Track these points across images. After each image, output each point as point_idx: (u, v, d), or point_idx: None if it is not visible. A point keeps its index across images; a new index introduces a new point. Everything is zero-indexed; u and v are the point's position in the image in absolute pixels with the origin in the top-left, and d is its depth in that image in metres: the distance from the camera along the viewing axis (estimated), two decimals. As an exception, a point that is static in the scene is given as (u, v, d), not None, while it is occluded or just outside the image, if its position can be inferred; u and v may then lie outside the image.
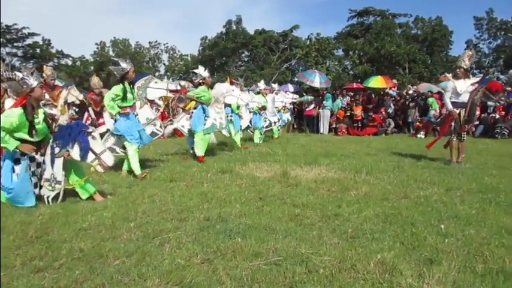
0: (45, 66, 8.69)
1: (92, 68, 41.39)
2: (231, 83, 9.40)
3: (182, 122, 8.09)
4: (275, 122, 11.65)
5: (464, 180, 5.54)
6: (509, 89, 16.04)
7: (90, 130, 4.48)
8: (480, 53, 36.35)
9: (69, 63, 41.71)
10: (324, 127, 15.91)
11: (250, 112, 10.20)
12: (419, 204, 4.20)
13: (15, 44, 37.23)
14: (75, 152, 4.34)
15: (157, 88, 6.81)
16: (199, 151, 7.32)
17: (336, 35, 38.44)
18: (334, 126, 16.09)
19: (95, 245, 3.00)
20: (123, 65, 5.83)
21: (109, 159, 4.54)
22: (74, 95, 10.29)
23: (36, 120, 4.19)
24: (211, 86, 7.96)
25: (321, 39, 35.59)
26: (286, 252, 2.87)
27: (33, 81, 4.17)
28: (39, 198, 4.28)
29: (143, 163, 6.85)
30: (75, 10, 68.63)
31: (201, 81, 7.69)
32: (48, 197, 4.28)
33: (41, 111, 4.32)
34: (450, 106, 7.05)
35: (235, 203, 4.21)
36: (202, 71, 7.75)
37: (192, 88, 11.29)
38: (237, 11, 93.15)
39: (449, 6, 56.75)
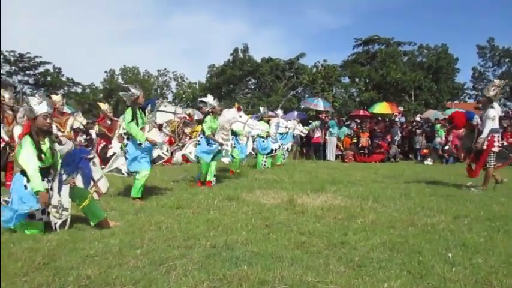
0: (53, 96, 8.86)
1: (101, 95, 42.07)
2: (239, 110, 9.51)
3: (189, 149, 8.18)
4: (276, 149, 11.63)
5: (472, 207, 5.50)
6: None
7: (91, 156, 4.54)
8: (486, 80, 36.52)
9: (79, 90, 42.45)
10: (331, 154, 15.91)
11: (251, 138, 10.33)
12: (426, 232, 4.17)
13: (27, 72, 38.07)
14: (78, 179, 4.40)
15: (166, 111, 6.94)
16: (209, 176, 7.61)
17: (342, 62, 38.91)
18: (340, 153, 16.10)
19: (101, 272, 3.01)
20: (133, 90, 6.01)
21: (104, 186, 4.62)
22: (79, 120, 10.57)
23: (43, 147, 4.27)
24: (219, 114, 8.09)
25: (327, 66, 35.98)
26: (293, 280, 2.86)
27: (38, 110, 4.24)
28: (46, 225, 4.32)
29: (150, 190, 6.90)
30: (85, 39, 70.30)
31: (210, 110, 7.80)
32: (55, 224, 4.31)
33: (47, 139, 4.38)
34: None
35: (241, 231, 4.21)
36: (211, 100, 7.87)
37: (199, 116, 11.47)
38: (244, 40, 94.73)
39: (454, 34, 57.57)
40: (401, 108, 21.79)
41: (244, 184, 7.83)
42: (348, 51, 46.94)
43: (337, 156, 16.06)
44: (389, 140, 16.23)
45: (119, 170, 6.33)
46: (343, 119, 20.42)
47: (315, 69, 36.35)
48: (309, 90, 36.97)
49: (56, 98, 8.59)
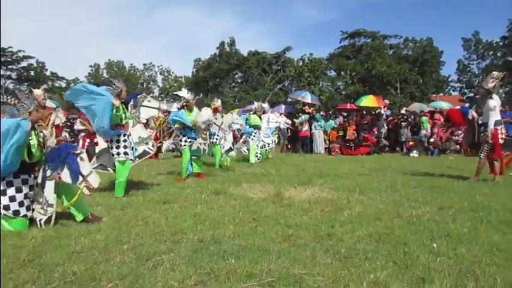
0: (35, 90, 8.67)
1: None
2: (215, 111, 9.35)
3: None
4: (269, 144, 11.67)
5: (456, 198, 5.59)
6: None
7: (78, 152, 4.49)
8: (470, 73, 37.01)
9: (64, 85, 41.80)
10: (319, 147, 15.99)
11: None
12: (411, 224, 4.23)
13: (9, 67, 37.37)
14: (65, 175, 4.34)
15: (151, 107, 6.87)
16: (196, 168, 8.00)
17: (328, 56, 38.99)
18: (327, 146, 16.19)
19: (88, 268, 2.99)
20: (117, 84, 5.95)
21: (95, 180, 4.55)
22: (59, 117, 10.41)
23: (31, 142, 4.21)
24: (200, 107, 8.15)
25: (314, 59, 36.06)
26: (280, 273, 2.88)
27: (29, 105, 4.22)
28: (31, 221, 4.27)
29: (137, 184, 6.87)
30: (69, 33, 69.25)
31: (184, 103, 7.76)
32: (40, 220, 4.26)
33: (33, 134, 4.33)
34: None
35: (228, 224, 4.21)
36: (185, 94, 7.83)
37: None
38: (231, 34, 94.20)
39: (439, 28, 58.13)
40: (387, 101, 21.97)
41: (232, 178, 7.83)
42: (335, 45, 47.10)
43: (323, 150, 16.16)
44: (376, 132, 16.38)
45: (104, 167, 6.26)
46: (330, 112, 20.52)
47: (301, 63, 36.42)
48: (296, 84, 37.04)
49: (38, 91, 8.41)
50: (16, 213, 4.17)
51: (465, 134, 7.86)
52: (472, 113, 7.45)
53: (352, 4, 70.93)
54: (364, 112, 18.61)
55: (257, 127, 11.23)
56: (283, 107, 20.59)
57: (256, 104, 12.00)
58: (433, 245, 3.42)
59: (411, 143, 15.24)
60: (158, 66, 47.06)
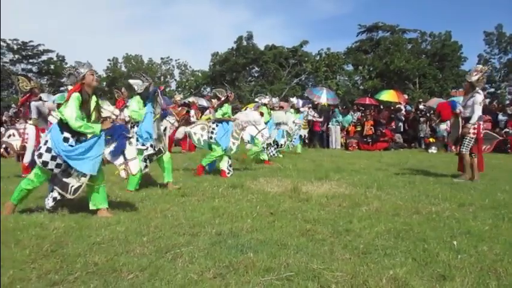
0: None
1: (105, 83, 42.01)
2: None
3: (196, 130, 8.00)
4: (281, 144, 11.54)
5: (476, 196, 5.50)
6: None
7: (129, 135, 4.58)
8: (491, 67, 36.23)
9: (82, 78, 42.33)
10: (335, 142, 15.90)
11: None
12: (431, 220, 4.18)
13: (30, 61, 38.05)
14: (107, 151, 4.44)
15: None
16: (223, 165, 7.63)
17: (346, 50, 38.64)
18: (344, 141, 16.10)
19: (108, 259, 3.04)
20: (149, 79, 6.05)
21: (135, 167, 4.59)
22: (108, 110, 10.56)
23: (91, 105, 4.39)
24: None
25: (331, 54, 35.81)
26: (298, 267, 2.88)
27: (83, 70, 4.39)
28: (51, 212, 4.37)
29: (155, 178, 6.93)
30: (88, 27, 70.08)
31: (228, 97, 7.84)
32: (72, 187, 4.35)
33: (93, 99, 4.47)
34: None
35: (246, 218, 4.23)
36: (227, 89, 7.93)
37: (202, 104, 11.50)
38: (247, 27, 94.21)
39: (460, 21, 56.98)
40: (406, 97, 21.70)
41: (249, 172, 7.86)
42: (352, 38, 46.66)
43: (340, 145, 16.07)
44: (395, 127, 16.22)
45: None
46: (347, 107, 20.35)
47: (318, 57, 36.20)
48: (313, 78, 36.88)
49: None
50: (45, 164, 4.28)
51: (452, 130, 7.68)
52: (459, 107, 7.29)
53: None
54: (382, 107, 18.42)
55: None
56: (300, 101, 20.48)
57: (268, 98, 11.37)
58: (453, 243, 3.37)
59: (430, 139, 15.04)
60: (176, 60, 47.30)
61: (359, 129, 16.25)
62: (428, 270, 2.84)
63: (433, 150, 14.17)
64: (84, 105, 4.33)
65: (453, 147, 7.69)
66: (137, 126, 5.92)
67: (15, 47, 36.86)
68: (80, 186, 4.38)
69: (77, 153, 4.25)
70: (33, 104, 7.76)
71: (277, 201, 5.06)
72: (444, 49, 34.69)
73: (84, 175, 4.35)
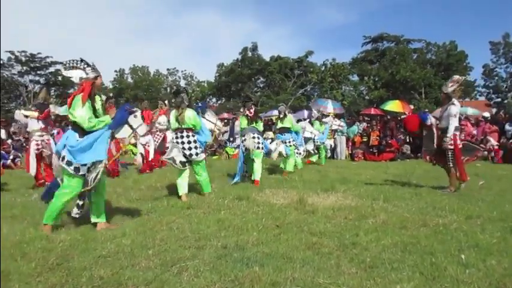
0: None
1: (111, 94, 42.29)
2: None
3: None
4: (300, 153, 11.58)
5: (484, 207, 5.44)
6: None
7: (134, 110, 4.65)
8: (497, 77, 36.13)
9: (89, 90, 42.67)
10: (340, 153, 15.84)
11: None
12: (438, 233, 4.14)
13: (38, 72, 38.50)
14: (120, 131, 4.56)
15: (209, 120, 7.39)
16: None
17: (351, 60, 38.72)
18: (350, 151, 16.04)
19: (114, 272, 3.03)
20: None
21: (142, 130, 4.71)
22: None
23: (96, 106, 4.41)
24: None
25: (336, 64, 35.89)
26: (304, 282, 2.86)
27: (96, 73, 4.47)
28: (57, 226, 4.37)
29: (160, 190, 6.95)
30: (95, 38, 70.84)
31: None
32: (91, 179, 4.35)
33: (98, 99, 4.51)
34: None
35: (252, 231, 4.21)
36: None
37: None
38: (253, 38, 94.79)
39: (466, 31, 57.00)
40: (411, 107, 21.64)
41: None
42: (357, 48, 46.77)
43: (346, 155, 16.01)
44: (402, 138, 16.15)
45: (174, 160, 6.39)
46: (353, 117, 20.32)
47: (324, 68, 36.29)
48: (318, 89, 36.93)
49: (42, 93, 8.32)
50: (76, 170, 4.26)
51: (425, 142, 7.63)
52: (431, 119, 7.26)
53: (375, 6, 70.24)
54: (389, 117, 18.37)
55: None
56: (305, 112, 20.49)
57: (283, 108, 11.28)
58: (461, 256, 3.33)
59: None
60: (182, 71, 47.63)
61: (365, 139, 16.18)
62: (436, 285, 2.81)
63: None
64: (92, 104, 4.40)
65: (427, 157, 7.58)
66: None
67: (23, 58, 37.33)
68: (98, 173, 4.37)
69: (83, 146, 4.27)
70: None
71: (283, 214, 5.03)
72: (449, 59, 34.66)
73: (100, 161, 4.35)
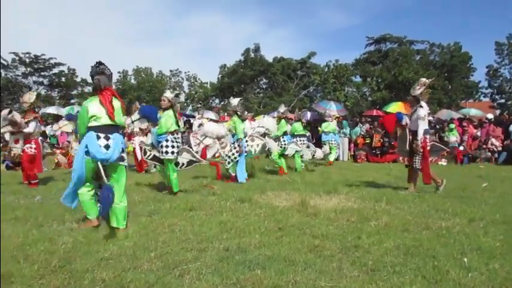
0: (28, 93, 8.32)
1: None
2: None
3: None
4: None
5: (487, 210, 5.43)
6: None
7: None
8: (502, 78, 35.95)
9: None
10: (343, 154, 15.83)
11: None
12: (441, 236, 4.13)
13: (42, 73, 38.64)
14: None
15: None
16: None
17: (354, 61, 38.64)
18: (352, 153, 16.02)
19: (116, 275, 3.04)
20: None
21: None
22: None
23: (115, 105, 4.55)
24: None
25: (339, 66, 35.81)
26: (306, 285, 2.86)
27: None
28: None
29: (163, 191, 6.95)
30: (99, 40, 71.02)
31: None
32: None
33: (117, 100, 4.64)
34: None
35: (254, 233, 4.21)
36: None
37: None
38: (255, 39, 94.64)
39: (470, 32, 56.84)
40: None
41: (257, 185, 7.84)
42: (360, 50, 46.76)
43: (349, 157, 16.00)
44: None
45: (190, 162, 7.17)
46: (357, 119, 20.27)
47: (326, 69, 36.22)
48: (321, 90, 36.86)
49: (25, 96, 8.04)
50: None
51: (399, 142, 7.69)
52: (406, 120, 7.31)
53: (378, 8, 70.09)
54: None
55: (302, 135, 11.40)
56: (308, 113, 20.45)
57: (281, 108, 11.32)
58: (464, 259, 3.33)
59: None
60: (185, 72, 47.65)
61: (368, 141, 16.16)
62: (438, 288, 2.80)
63: (443, 162, 14.02)
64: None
65: (404, 159, 7.61)
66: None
67: (27, 60, 37.44)
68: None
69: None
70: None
71: (286, 216, 5.03)
72: (453, 60, 34.52)
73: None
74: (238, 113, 8.65)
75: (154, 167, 7.21)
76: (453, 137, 14.93)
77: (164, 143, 6.81)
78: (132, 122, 6.76)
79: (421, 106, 7.04)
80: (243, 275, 3.02)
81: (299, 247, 3.76)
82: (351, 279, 2.97)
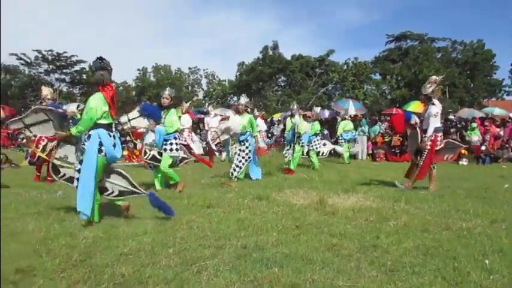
0: (43, 87, 8.46)
1: (134, 93, 42.90)
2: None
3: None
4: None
5: (509, 211, 5.31)
6: None
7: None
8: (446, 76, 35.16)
9: (113, 87, 43.40)
10: (361, 153, 15.66)
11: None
12: (461, 237, 4.06)
13: (63, 71, 39.39)
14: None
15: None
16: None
17: (374, 59, 38.26)
18: (371, 152, 15.84)
19: (135, 270, 3.08)
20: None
21: None
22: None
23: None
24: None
25: (358, 63, 35.50)
26: (324, 284, 2.85)
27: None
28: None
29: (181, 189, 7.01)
30: (119, 37, 71.92)
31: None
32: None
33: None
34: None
35: (271, 231, 4.21)
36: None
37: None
38: (273, 37, 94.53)
39: (493, 29, 55.56)
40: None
41: (274, 183, 7.82)
42: (380, 48, 46.22)
43: (367, 155, 15.82)
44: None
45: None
46: (376, 117, 20.04)
47: (345, 67, 35.95)
48: (340, 88, 36.62)
49: (45, 90, 8.20)
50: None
51: (409, 142, 7.57)
52: (415, 118, 7.19)
53: (398, 4, 69.14)
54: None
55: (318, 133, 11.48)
56: (326, 112, 20.32)
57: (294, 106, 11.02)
58: (485, 261, 3.26)
59: (463, 151, 14.63)
60: (204, 70, 47.91)
61: (387, 139, 15.95)
62: (458, 290, 2.76)
63: (463, 162, 13.77)
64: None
65: (413, 157, 7.51)
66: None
67: (49, 57, 38.23)
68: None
69: None
70: None
71: (303, 214, 5.02)
72: (476, 58, 33.87)
73: None
74: (248, 110, 8.65)
75: (151, 167, 7.13)
76: (475, 137, 14.65)
77: (173, 141, 6.96)
78: (129, 120, 6.67)
79: (433, 104, 6.98)
80: (260, 272, 3.03)
81: (317, 246, 3.74)
82: (369, 279, 2.94)
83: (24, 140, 11.09)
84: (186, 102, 13.80)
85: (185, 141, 11.70)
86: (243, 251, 3.58)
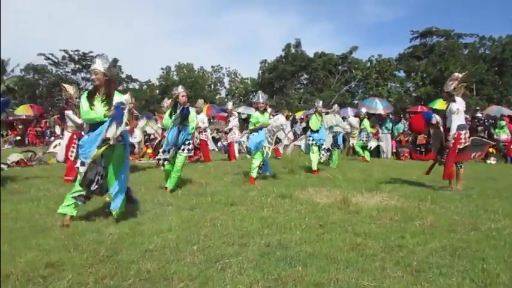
0: (67, 86, 8.49)
1: (157, 91, 43.45)
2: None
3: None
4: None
5: (541, 212, 5.15)
6: None
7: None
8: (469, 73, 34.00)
9: (137, 87, 44.15)
10: (386, 151, 15.45)
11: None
12: (490, 238, 3.95)
13: (89, 70, 40.20)
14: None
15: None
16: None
17: (398, 56, 37.67)
18: (395, 150, 15.61)
19: (160, 266, 3.12)
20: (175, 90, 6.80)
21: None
22: (154, 128, 11.19)
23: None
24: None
25: (382, 60, 35.03)
26: (348, 283, 2.82)
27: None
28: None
29: (205, 186, 7.06)
30: (143, 37, 72.92)
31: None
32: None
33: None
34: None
35: (295, 230, 4.20)
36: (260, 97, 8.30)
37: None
38: (296, 34, 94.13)
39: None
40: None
41: (297, 181, 7.80)
42: (404, 44, 45.48)
43: (391, 154, 15.60)
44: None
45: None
46: (399, 115, 19.75)
47: (369, 64, 35.52)
48: (363, 85, 36.24)
49: (70, 89, 8.36)
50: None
51: (433, 141, 7.35)
52: (436, 118, 6.98)
53: (423, 1, 67.86)
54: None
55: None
56: (349, 110, 20.13)
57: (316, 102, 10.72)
58: (515, 263, 3.18)
59: (489, 149, 14.27)
60: (226, 68, 48.17)
61: (412, 138, 15.68)
62: (487, 292, 2.69)
63: (491, 161, 13.43)
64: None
65: (438, 156, 7.31)
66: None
67: (76, 57, 39.13)
68: None
69: None
70: (66, 113, 8.12)
71: (327, 213, 4.99)
72: (504, 54, 32.94)
73: None
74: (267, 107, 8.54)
75: (163, 165, 6.77)
76: (504, 135, 14.26)
77: (191, 141, 6.89)
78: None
79: (453, 101, 6.82)
80: (284, 271, 3.02)
81: (340, 245, 3.71)
82: (395, 280, 2.90)
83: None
84: (205, 102, 13.88)
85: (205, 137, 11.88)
86: (266, 249, 3.58)
